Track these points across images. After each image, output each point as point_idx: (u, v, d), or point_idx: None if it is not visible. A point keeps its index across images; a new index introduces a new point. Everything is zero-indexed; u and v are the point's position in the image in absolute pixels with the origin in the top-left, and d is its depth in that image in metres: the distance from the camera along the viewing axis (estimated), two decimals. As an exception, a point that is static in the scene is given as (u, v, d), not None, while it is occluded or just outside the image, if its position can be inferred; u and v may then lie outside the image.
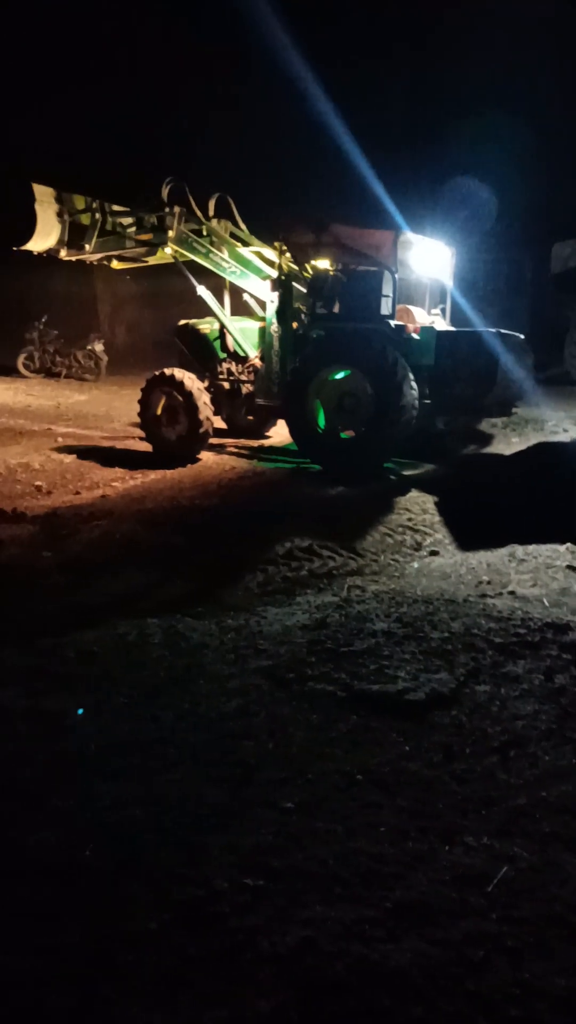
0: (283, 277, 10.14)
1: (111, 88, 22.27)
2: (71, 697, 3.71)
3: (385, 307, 9.33)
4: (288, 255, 10.10)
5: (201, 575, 5.99)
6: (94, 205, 10.60)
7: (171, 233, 10.27)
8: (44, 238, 10.40)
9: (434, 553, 6.62)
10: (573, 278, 16.66)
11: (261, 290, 10.51)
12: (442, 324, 10.40)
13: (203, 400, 10.22)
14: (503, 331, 9.43)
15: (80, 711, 3.35)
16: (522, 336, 10.06)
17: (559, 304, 17.03)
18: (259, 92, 21.52)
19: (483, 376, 9.09)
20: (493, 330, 9.41)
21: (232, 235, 11.00)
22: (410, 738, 3.41)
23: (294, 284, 10.16)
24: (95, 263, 11.66)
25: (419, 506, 7.79)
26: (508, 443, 10.78)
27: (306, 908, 2.43)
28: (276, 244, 10.32)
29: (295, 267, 10.20)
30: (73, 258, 10.98)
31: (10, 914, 2.43)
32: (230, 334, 10.77)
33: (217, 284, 10.90)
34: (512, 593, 5.18)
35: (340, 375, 9.34)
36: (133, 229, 10.74)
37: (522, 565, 5.90)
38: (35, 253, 10.67)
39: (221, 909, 2.43)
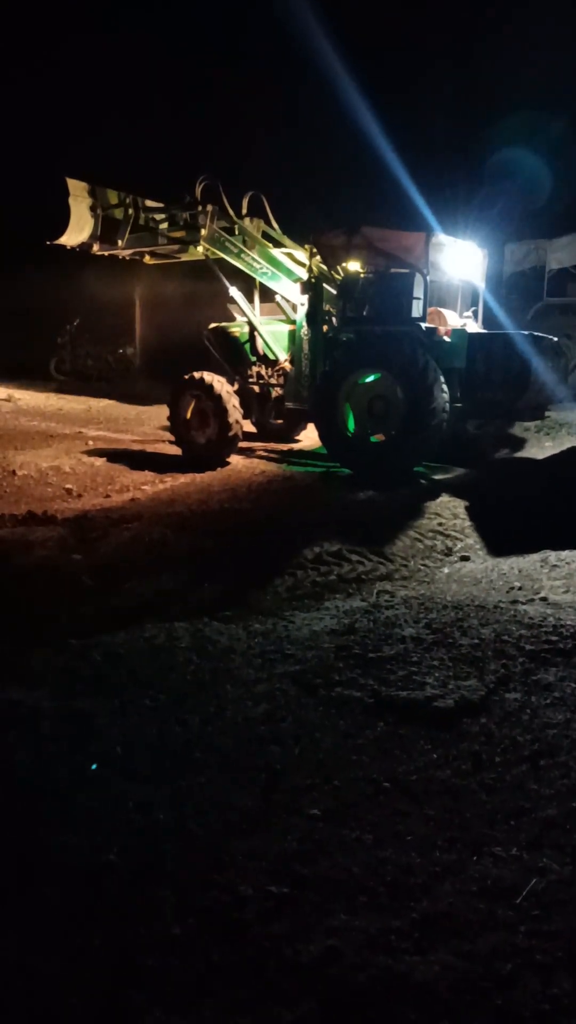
0: (313, 279, 10.12)
1: (147, 87, 22.47)
2: (98, 699, 3.71)
3: (416, 309, 9.28)
4: (318, 257, 10.09)
5: (230, 579, 5.98)
6: (127, 200, 10.68)
7: (203, 232, 10.31)
8: (77, 232, 10.50)
9: (465, 558, 6.56)
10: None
11: (291, 292, 10.51)
12: (474, 327, 10.31)
13: (232, 403, 10.23)
14: (536, 333, 9.34)
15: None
16: (555, 339, 9.95)
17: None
18: (294, 92, 21.57)
19: (515, 379, 9.00)
20: (525, 332, 9.31)
21: (265, 235, 11.02)
22: (438, 746, 3.37)
23: (325, 286, 10.14)
24: (127, 258, 11.74)
25: (450, 511, 7.72)
26: (541, 447, 10.66)
27: (331, 917, 2.41)
28: (307, 246, 10.31)
29: (326, 269, 10.19)
30: (105, 253, 11.07)
31: (35, 916, 2.43)
32: (260, 337, 10.78)
33: (247, 286, 10.92)
34: (544, 599, 5.11)
35: (370, 378, 9.30)
36: (166, 226, 10.80)
37: (555, 571, 5.81)
38: (68, 247, 10.77)
39: (246, 916, 2.41)
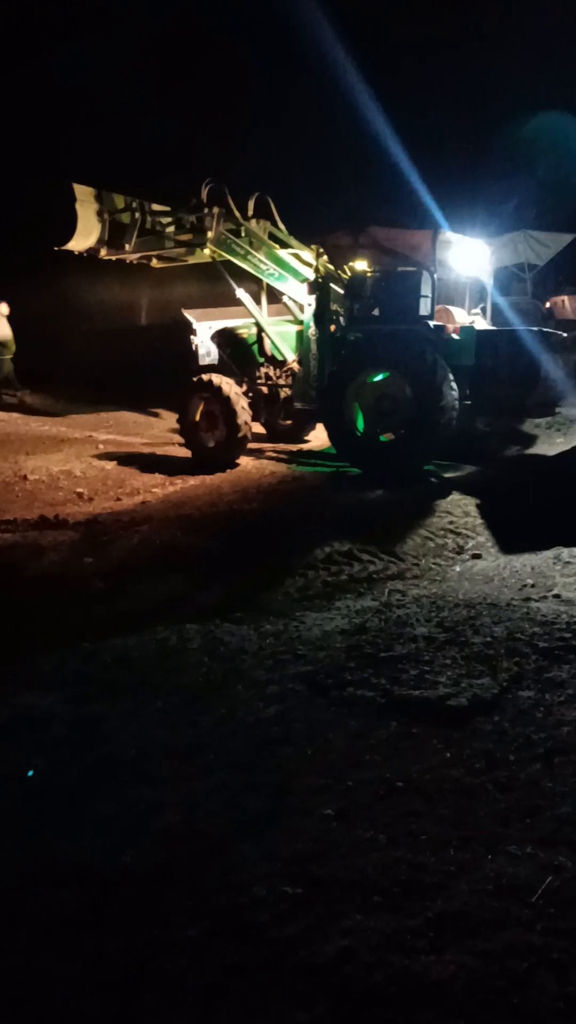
0: (320, 279, 10.12)
1: (154, 90, 22.54)
2: (110, 702, 3.72)
3: (424, 307, 9.26)
4: (325, 257, 10.08)
5: (240, 580, 5.98)
6: (134, 204, 10.70)
7: (210, 234, 10.32)
8: (84, 237, 10.52)
9: (476, 556, 6.53)
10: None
11: (299, 293, 10.50)
12: (482, 323, 10.28)
13: (241, 405, 10.24)
14: (545, 329, 9.30)
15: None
16: (564, 334, 9.91)
17: None
18: (299, 93, 21.59)
19: (525, 376, 8.96)
20: (535, 328, 9.28)
21: (271, 236, 11.02)
22: (451, 745, 3.35)
23: (332, 286, 10.13)
24: (134, 262, 11.77)
25: (461, 509, 7.70)
26: (552, 443, 10.61)
27: (345, 917, 2.40)
28: (313, 246, 10.30)
29: (332, 269, 10.18)
30: (113, 257, 11.09)
31: (50, 920, 2.44)
32: (268, 338, 10.78)
33: (255, 287, 10.92)
34: (557, 596, 5.08)
35: (378, 377, 9.28)
36: (172, 229, 10.82)
37: (567, 568, 5.78)
38: (76, 253, 10.80)
39: (260, 917, 2.41)
